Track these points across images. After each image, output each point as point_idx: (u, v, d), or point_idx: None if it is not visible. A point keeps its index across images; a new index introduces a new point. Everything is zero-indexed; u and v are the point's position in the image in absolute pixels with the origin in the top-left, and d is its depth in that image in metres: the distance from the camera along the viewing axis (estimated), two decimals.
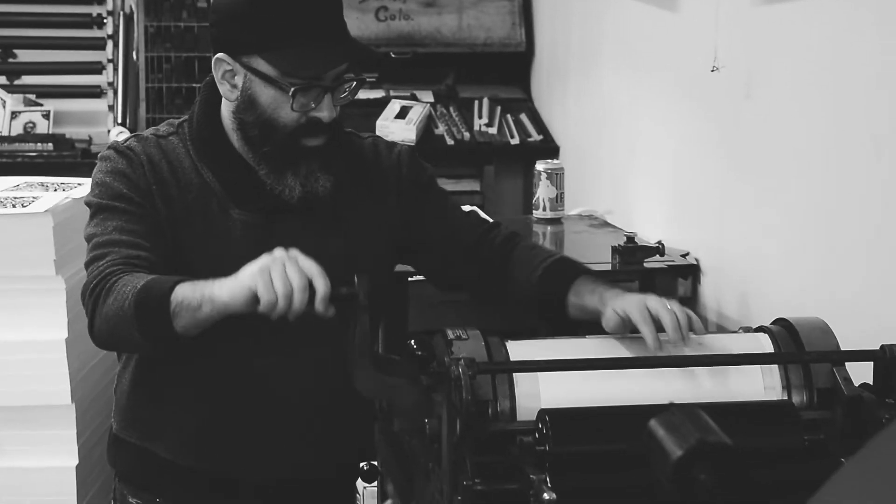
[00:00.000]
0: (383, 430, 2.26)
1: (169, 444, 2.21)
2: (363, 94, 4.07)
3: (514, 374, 1.82)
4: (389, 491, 2.35)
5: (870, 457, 1.23)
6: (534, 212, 3.56)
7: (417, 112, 4.65)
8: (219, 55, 2.13)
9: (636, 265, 2.97)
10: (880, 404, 1.82)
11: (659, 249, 3.03)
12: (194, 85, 5.04)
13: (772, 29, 2.72)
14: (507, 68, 5.01)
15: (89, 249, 2.10)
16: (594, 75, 4.09)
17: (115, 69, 5.16)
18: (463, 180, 4.71)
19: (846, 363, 1.89)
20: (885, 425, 1.72)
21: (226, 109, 2.18)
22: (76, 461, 2.64)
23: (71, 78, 5.26)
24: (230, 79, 2.13)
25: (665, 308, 1.96)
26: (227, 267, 2.10)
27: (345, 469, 2.31)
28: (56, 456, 2.64)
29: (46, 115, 4.96)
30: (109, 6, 5.21)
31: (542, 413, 1.73)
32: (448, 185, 4.55)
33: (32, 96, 5.14)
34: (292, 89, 2.07)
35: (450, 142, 4.67)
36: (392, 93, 4.80)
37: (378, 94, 4.77)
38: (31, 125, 4.91)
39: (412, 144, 4.45)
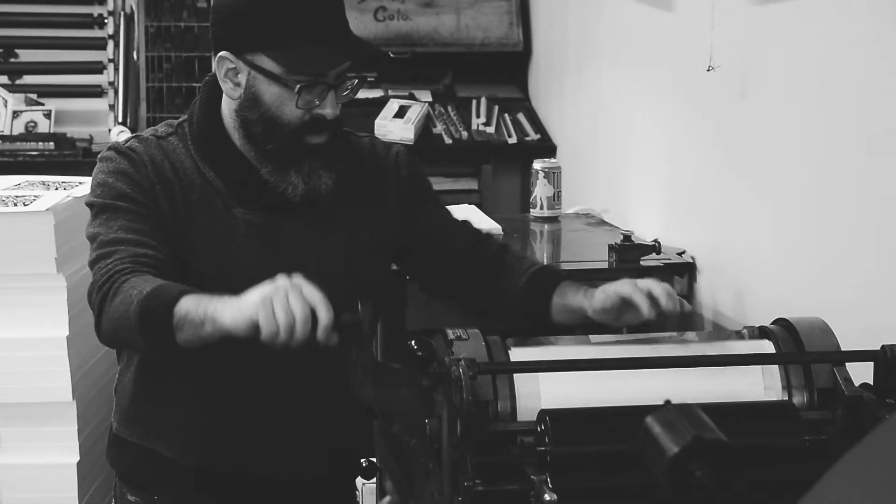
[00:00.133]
0: (382, 429, 2.27)
1: (170, 442, 2.21)
2: (362, 94, 4.07)
3: (515, 375, 1.83)
4: (388, 487, 2.36)
5: (863, 453, 1.24)
6: (531, 210, 3.57)
7: (416, 111, 4.66)
8: (222, 53, 2.11)
9: (633, 263, 2.98)
10: (881, 404, 1.82)
11: (655, 248, 3.05)
12: (194, 84, 5.06)
13: (767, 28, 2.73)
14: (505, 68, 5.01)
15: (94, 248, 2.08)
16: (591, 75, 4.10)
17: (116, 69, 5.17)
18: (461, 179, 4.72)
19: (846, 363, 1.89)
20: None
21: (227, 108, 2.17)
22: (77, 458, 2.65)
23: (72, 77, 5.26)
24: (233, 77, 2.12)
25: (655, 282, 2.01)
26: (231, 266, 2.12)
27: (340, 468, 2.32)
28: (57, 452, 2.65)
29: (48, 115, 4.97)
30: (110, 6, 5.22)
31: (543, 413, 1.73)
32: (446, 184, 4.61)
33: (34, 96, 5.15)
34: (297, 86, 2.06)
35: (448, 141, 4.68)
36: (390, 92, 4.80)
37: (376, 93, 4.77)
38: (32, 124, 4.92)
39: (410, 144, 4.47)
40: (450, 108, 4.81)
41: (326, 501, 2.31)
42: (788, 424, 1.80)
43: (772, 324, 2.01)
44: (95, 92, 5.21)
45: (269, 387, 2.17)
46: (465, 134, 4.70)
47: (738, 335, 2.01)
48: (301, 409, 2.19)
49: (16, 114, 4.93)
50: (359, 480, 2.46)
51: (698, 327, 3.08)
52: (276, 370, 2.14)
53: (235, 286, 2.12)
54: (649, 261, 3.02)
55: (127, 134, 4.70)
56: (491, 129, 4.74)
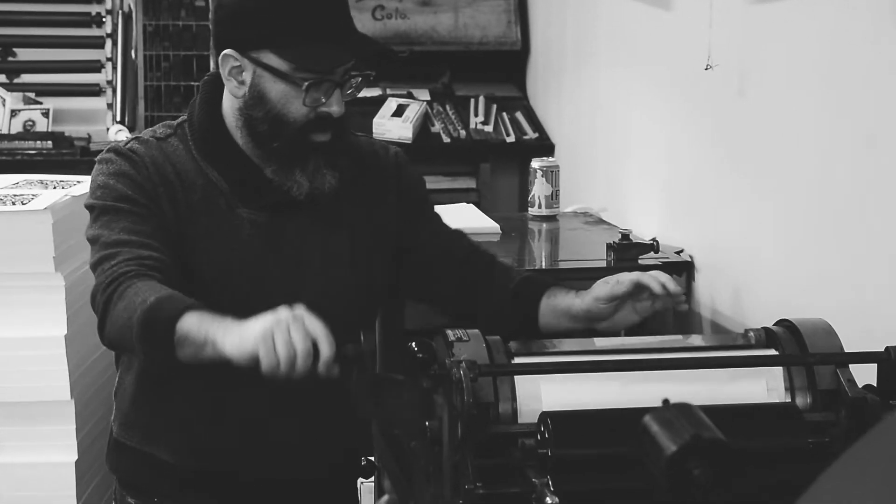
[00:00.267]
0: (382, 428, 2.26)
1: (170, 446, 2.20)
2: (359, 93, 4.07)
3: (516, 377, 1.82)
4: (386, 486, 2.36)
5: (862, 452, 1.24)
6: (529, 209, 3.57)
7: (414, 110, 4.66)
8: (226, 51, 2.09)
9: (631, 262, 2.99)
10: (884, 406, 1.82)
11: (653, 246, 3.05)
12: (193, 83, 5.05)
13: (765, 27, 2.73)
14: (503, 67, 5.00)
15: (96, 250, 2.07)
16: (589, 73, 4.10)
17: (114, 67, 5.16)
18: (459, 178, 4.72)
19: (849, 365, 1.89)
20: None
21: (229, 107, 2.16)
22: (75, 457, 2.65)
23: (70, 76, 5.25)
24: (237, 75, 2.10)
25: (659, 272, 2.07)
26: (235, 266, 2.11)
27: (340, 468, 2.32)
28: (55, 452, 2.65)
29: (46, 114, 4.96)
30: (108, 5, 5.21)
31: (544, 416, 1.73)
32: (444, 183, 4.61)
33: (32, 94, 5.14)
34: (306, 84, 2.06)
35: (446, 140, 4.68)
36: (388, 91, 4.80)
37: (375, 92, 4.77)
38: (30, 123, 4.92)
39: (408, 142, 4.47)
40: (448, 107, 4.81)
41: (327, 502, 2.31)
42: (792, 426, 1.80)
43: (774, 325, 2.00)
44: (93, 91, 5.21)
45: (270, 388, 2.17)
46: (463, 133, 4.70)
47: (745, 338, 2.00)
48: (301, 410, 2.19)
49: (14, 112, 4.92)
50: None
51: (696, 326, 3.08)
52: None
53: (240, 286, 2.12)
54: (647, 259, 3.03)
55: (125, 133, 4.71)
56: (489, 128, 4.74)
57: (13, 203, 2.64)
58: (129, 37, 5.17)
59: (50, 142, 4.76)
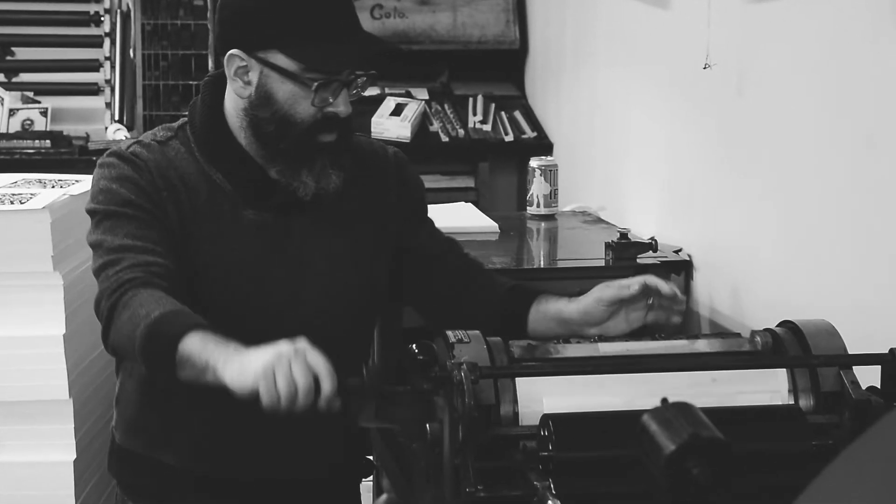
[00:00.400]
0: (381, 428, 2.25)
1: (176, 450, 2.20)
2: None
3: (517, 379, 1.81)
4: (385, 486, 2.36)
5: (861, 450, 1.23)
6: (528, 208, 3.57)
7: (412, 109, 4.66)
8: (232, 51, 2.08)
9: (629, 261, 2.99)
10: (888, 408, 1.81)
11: (652, 245, 3.05)
12: (191, 82, 5.06)
13: (764, 26, 2.73)
14: (502, 66, 5.00)
15: (100, 255, 2.05)
16: (588, 72, 4.10)
17: (113, 66, 5.16)
18: (457, 177, 4.72)
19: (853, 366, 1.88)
20: None
21: (233, 108, 2.14)
22: (74, 456, 2.64)
23: (68, 75, 5.24)
24: (243, 75, 2.08)
25: (653, 276, 2.08)
26: (240, 267, 2.10)
27: (344, 468, 2.32)
28: (54, 451, 2.64)
29: (44, 113, 4.95)
30: (107, 4, 5.21)
31: (546, 418, 1.72)
32: (442, 182, 4.62)
33: (30, 93, 5.14)
34: (315, 84, 2.05)
35: (444, 139, 4.68)
36: (387, 90, 4.80)
37: (373, 91, 4.77)
38: (28, 122, 4.91)
39: (407, 141, 4.47)
40: (446, 106, 4.81)
41: (328, 502, 2.31)
42: (795, 428, 1.79)
43: (777, 326, 1.99)
44: (92, 90, 5.20)
45: None
46: (461, 132, 4.70)
47: (752, 344, 1.98)
48: (305, 411, 2.18)
49: (12, 112, 4.91)
50: None
51: (695, 326, 3.08)
52: None
53: (242, 286, 2.11)
54: (646, 258, 3.03)
55: (123, 132, 4.70)
56: (487, 127, 4.74)
57: (11, 202, 2.64)
58: (127, 36, 5.17)
59: (48, 141, 4.75)
